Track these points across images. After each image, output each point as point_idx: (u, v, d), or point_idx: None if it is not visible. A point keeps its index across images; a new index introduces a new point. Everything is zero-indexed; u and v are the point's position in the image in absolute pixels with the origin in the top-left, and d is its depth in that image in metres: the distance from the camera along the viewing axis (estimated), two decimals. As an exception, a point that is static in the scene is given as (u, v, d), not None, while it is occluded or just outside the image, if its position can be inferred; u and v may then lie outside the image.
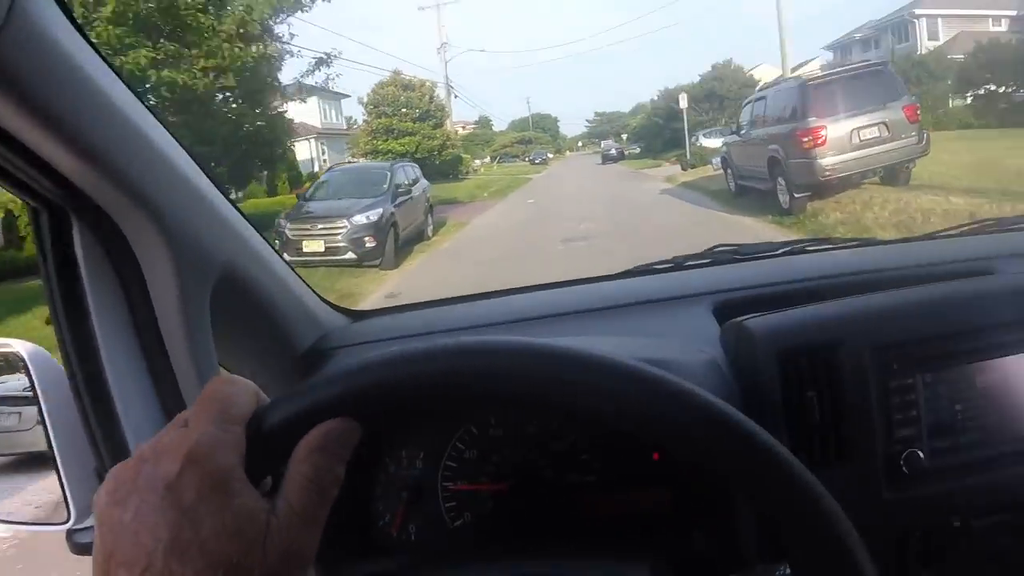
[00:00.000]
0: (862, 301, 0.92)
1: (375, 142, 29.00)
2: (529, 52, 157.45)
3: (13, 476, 0.90)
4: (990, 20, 30.90)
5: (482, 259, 9.81)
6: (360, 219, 10.38)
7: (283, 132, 16.90)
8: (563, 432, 0.88)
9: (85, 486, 0.75)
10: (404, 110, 29.73)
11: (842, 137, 9.50)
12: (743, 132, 12.27)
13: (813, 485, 0.42)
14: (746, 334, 0.89)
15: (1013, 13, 30.11)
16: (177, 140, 0.77)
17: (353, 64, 43.67)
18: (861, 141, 9.54)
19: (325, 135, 32.99)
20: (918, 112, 9.96)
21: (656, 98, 43.32)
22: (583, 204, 16.12)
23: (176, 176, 0.75)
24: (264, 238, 0.96)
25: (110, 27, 10.56)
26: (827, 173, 9.46)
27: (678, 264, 1.39)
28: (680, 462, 0.53)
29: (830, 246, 1.47)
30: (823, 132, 9.50)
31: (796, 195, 9.90)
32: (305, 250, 10.31)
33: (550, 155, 59.66)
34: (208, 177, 0.83)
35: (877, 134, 9.58)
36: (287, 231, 10.58)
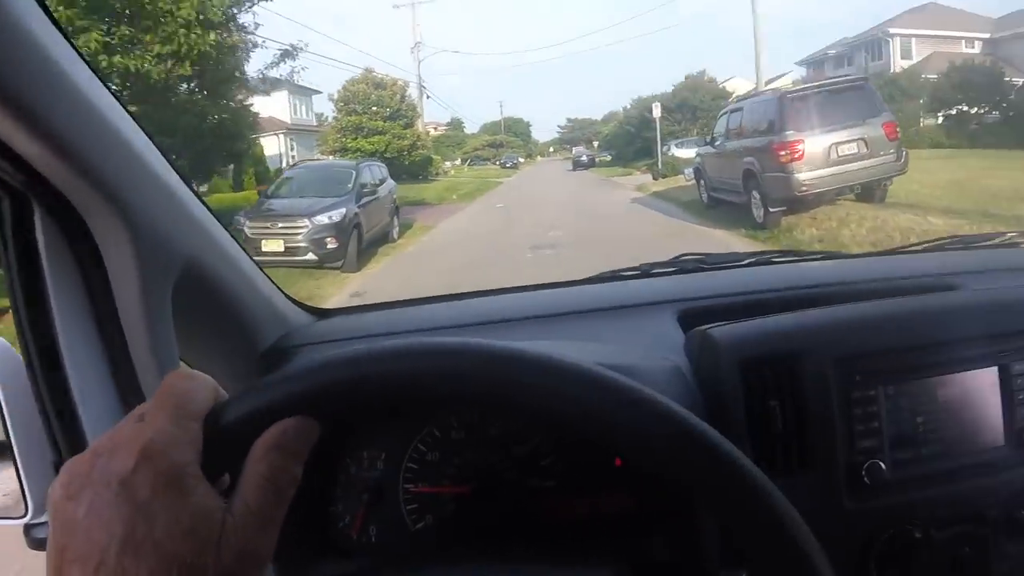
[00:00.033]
0: (826, 313, 0.92)
1: (344, 140, 28.41)
2: (503, 55, 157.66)
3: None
4: (963, 42, 31.40)
5: (448, 265, 9.52)
6: (322, 219, 9.97)
7: (247, 126, 16.20)
8: (526, 436, 0.87)
9: (43, 479, 0.72)
10: (375, 108, 29.12)
11: (820, 152, 9.34)
12: (717, 143, 12.04)
13: (773, 493, 0.41)
14: (710, 342, 0.89)
15: (986, 35, 30.76)
16: (145, 132, 0.76)
17: (324, 60, 43.02)
18: (839, 157, 9.38)
19: (295, 131, 32.41)
20: (897, 130, 9.86)
21: (629, 107, 43.41)
22: (552, 210, 15.94)
23: (142, 167, 0.74)
24: (230, 234, 0.95)
25: (60, 7, 9.96)
26: (804, 188, 9.29)
27: (644, 271, 1.41)
28: (641, 469, 0.47)
29: (796, 258, 1.49)
30: (800, 146, 9.31)
31: (771, 209, 9.71)
32: (264, 249, 9.80)
33: (521, 160, 59.51)
34: (175, 171, 0.81)
35: (856, 150, 9.44)
36: (246, 229, 10.05)
